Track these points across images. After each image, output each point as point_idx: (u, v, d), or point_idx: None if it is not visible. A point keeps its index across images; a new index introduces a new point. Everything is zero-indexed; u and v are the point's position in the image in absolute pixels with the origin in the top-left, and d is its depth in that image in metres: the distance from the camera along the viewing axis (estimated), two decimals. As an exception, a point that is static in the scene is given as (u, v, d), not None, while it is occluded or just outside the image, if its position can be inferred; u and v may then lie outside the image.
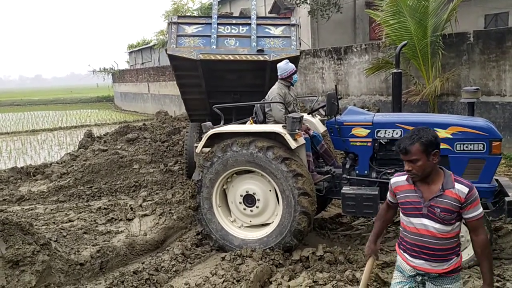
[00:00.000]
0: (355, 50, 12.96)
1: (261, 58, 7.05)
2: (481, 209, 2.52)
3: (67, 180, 8.90)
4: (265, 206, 5.12)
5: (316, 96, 7.53)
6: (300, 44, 7.35)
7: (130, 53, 42.71)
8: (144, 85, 29.72)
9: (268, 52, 7.11)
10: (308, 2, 17.65)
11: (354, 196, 4.85)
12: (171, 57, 7.27)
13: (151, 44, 35.88)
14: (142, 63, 38.77)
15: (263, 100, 6.07)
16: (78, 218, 6.77)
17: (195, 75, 7.56)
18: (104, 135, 13.10)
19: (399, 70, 5.81)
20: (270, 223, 5.13)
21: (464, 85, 9.99)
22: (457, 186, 2.50)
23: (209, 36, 7.28)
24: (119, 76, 36.54)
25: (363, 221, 6.11)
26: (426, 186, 2.58)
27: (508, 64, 9.29)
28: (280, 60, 6.26)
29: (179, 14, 15.55)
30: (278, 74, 5.83)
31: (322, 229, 5.86)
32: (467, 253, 4.30)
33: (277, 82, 5.88)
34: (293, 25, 7.42)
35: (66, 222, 6.54)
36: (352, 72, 13.10)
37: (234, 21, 7.50)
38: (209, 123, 5.42)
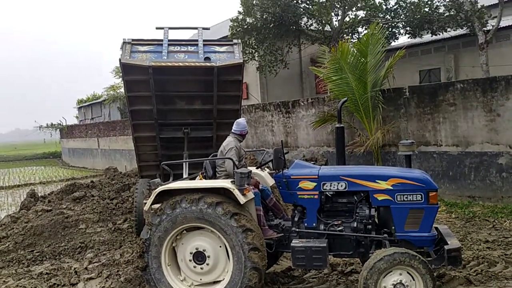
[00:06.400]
0: (302, 104, 13.49)
1: (208, 64, 7.71)
2: None
3: (7, 245, 8.35)
4: (215, 263, 5.05)
5: (265, 150, 7.73)
6: (243, 56, 8.14)
7: (80, 108, 42.02)
8: (93, 140, 29.10)
9: (214, 60, 7.82)
10: (256, 59, 18.37)
11: (304, 249, 4.91)
12: (125, 69, 7.71)
13: (101, 99, 35.54)
14: (92, 118, 38.11)
15: (217, 155, 6.17)
16: (17, 286, 6.34)
17: (146, 97, 7.99)
18: (48, 194, 12.56)
19: (341, 125, 6.12)
20: (221, 281, 5.05)
21: (404, 136, 10.60)
22: None
23: (161, 52, 7.96)
24: (67, 131, 35.67)
25: (315, 274, 6.13)
26: None
27: (441, 116, 10.01)
28: (227, 67, 7.37)
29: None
30: (235, 129, 6.07)
31: (274, 283, 5.81)
32: None
33: (231, 136, 6.08)
34: (236, 43, 8.31)
35: (3, 291, 6.10)
36: (300, 124, 13.56)
37: (183, 43, 8.32)
38: (157, 180, 5.41)
